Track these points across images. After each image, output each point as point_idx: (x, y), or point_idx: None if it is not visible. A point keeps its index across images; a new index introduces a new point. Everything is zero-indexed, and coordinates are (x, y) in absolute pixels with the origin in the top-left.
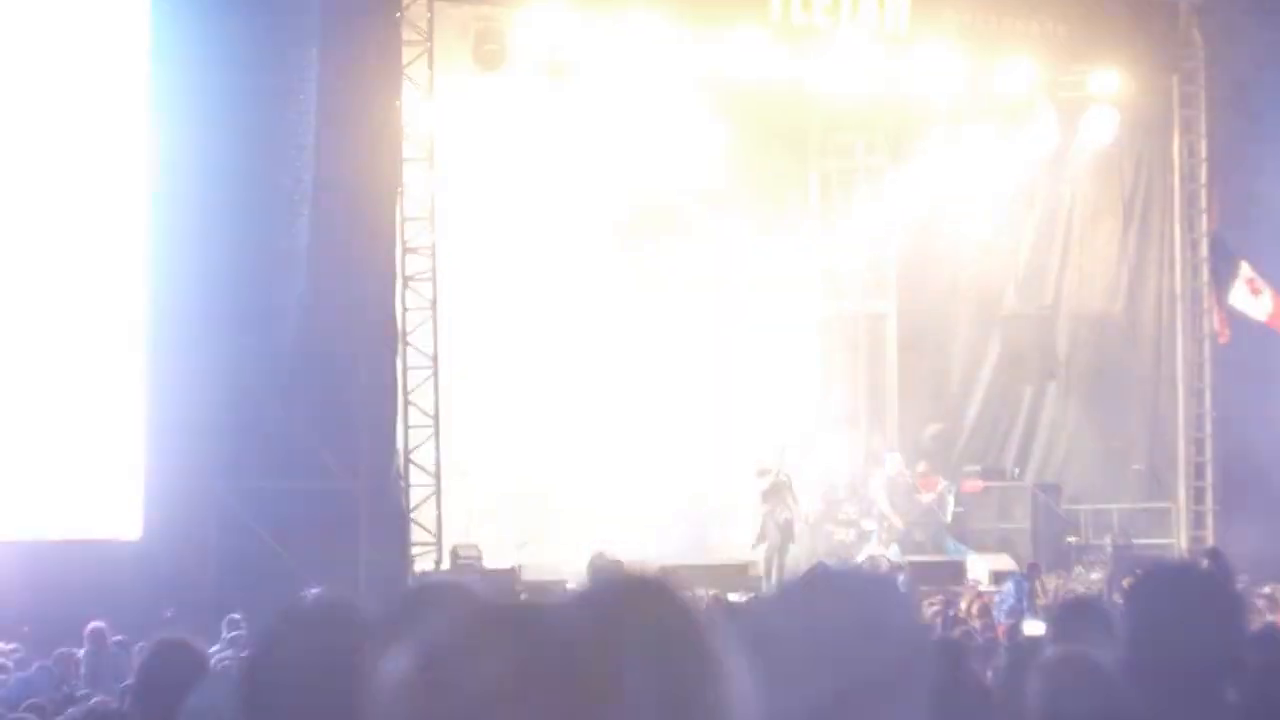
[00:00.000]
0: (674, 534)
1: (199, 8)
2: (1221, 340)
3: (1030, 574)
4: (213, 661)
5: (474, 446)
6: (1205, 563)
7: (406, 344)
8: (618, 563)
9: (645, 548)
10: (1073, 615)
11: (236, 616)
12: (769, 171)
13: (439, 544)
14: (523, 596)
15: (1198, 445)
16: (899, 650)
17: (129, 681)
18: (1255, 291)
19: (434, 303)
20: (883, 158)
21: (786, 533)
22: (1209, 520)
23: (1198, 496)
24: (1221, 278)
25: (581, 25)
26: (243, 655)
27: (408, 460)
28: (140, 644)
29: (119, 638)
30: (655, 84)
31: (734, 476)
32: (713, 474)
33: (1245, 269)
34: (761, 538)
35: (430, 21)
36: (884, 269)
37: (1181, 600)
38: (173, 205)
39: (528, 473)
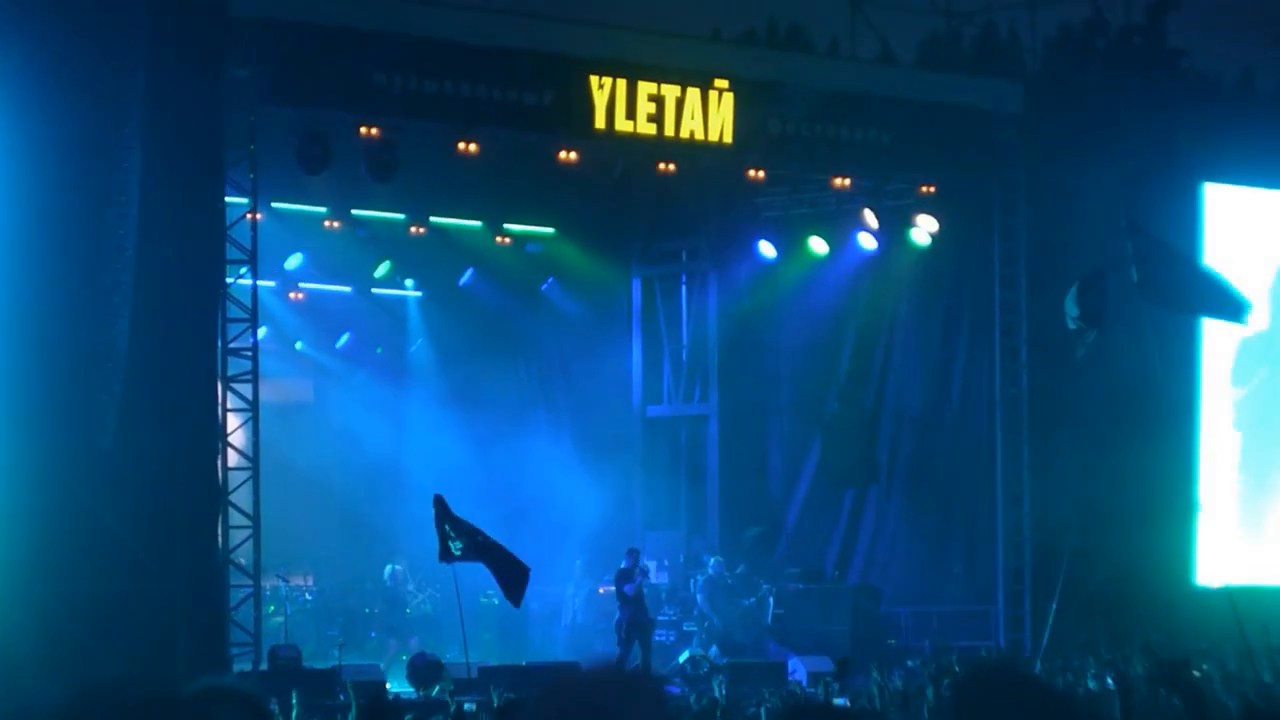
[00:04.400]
0: (495, 634)
1: (18, 103)
2: None
3: (840, 672)
4: None
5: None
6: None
7: (227, 444)
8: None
9: (465, 647)
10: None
11: None
12: (593, 275)
13: (257, 645)
14: (341, 698)
15: (1016, 550)
16: None
17: None
18: None
19: (255, 403)
20: (705, 263)
21: (646, 633)
22: (1027, 623)
23: (1016, 600)
24: None
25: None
26: None
27: (227, 560)
28: None
29: None
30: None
31: (556, 579)
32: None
33: None
34: (626, 639)
35: (253, 124)
36: (705, 372)
37: (1004, 701)
38: None
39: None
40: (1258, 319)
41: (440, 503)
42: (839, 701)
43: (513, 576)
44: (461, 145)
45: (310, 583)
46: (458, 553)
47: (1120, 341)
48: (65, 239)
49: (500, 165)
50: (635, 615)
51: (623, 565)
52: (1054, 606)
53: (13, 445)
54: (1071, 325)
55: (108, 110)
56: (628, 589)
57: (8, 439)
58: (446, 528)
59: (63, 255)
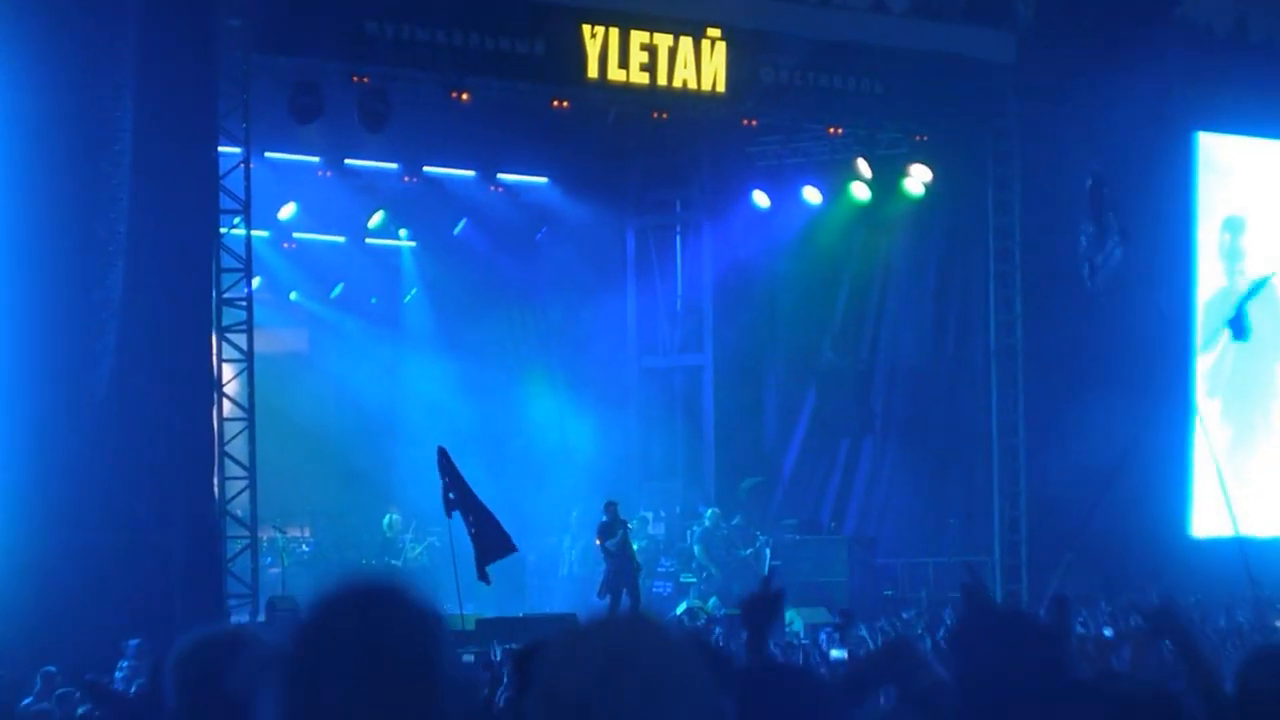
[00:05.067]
0: (492, 586)
1: (6, 56)
2: None
3: (844, 623)
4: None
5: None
6: (1049, 609)
7: (222, 395)
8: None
9: (460, 599)
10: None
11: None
12: (587, 224)
13: (255, 596)
14: None
15: (1012, 500)
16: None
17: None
18: None
19: (250, 354)
20: (699, 213)
21: (632, 585)
22: (1023, 574)
23: (1012, 550)
24: None
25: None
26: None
27: (223, 512)
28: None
29: None
30: None
31: (553, 531)
32: (532, 528)
33: None
34: (605, 590)
35: (246, 73)
36: (700, 322)
37: (1003, 647)
38: None
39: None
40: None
41: (443, 454)
42: (837, 654)
43: (491, 546)
44: (454, 94)
45: (307, 534)
46: (453, 507)
47: (1114, 289)
48: (58, 189)
49: (493, 114)
50: (620, 567)
51: (603, 519)
52: (1068, 558)
53: (8, 396)
54: (1085, 241)
55: (100, 59)
56: (609, 543)
57: (6, 391)
58: (446, 480)
59: (56, 204)
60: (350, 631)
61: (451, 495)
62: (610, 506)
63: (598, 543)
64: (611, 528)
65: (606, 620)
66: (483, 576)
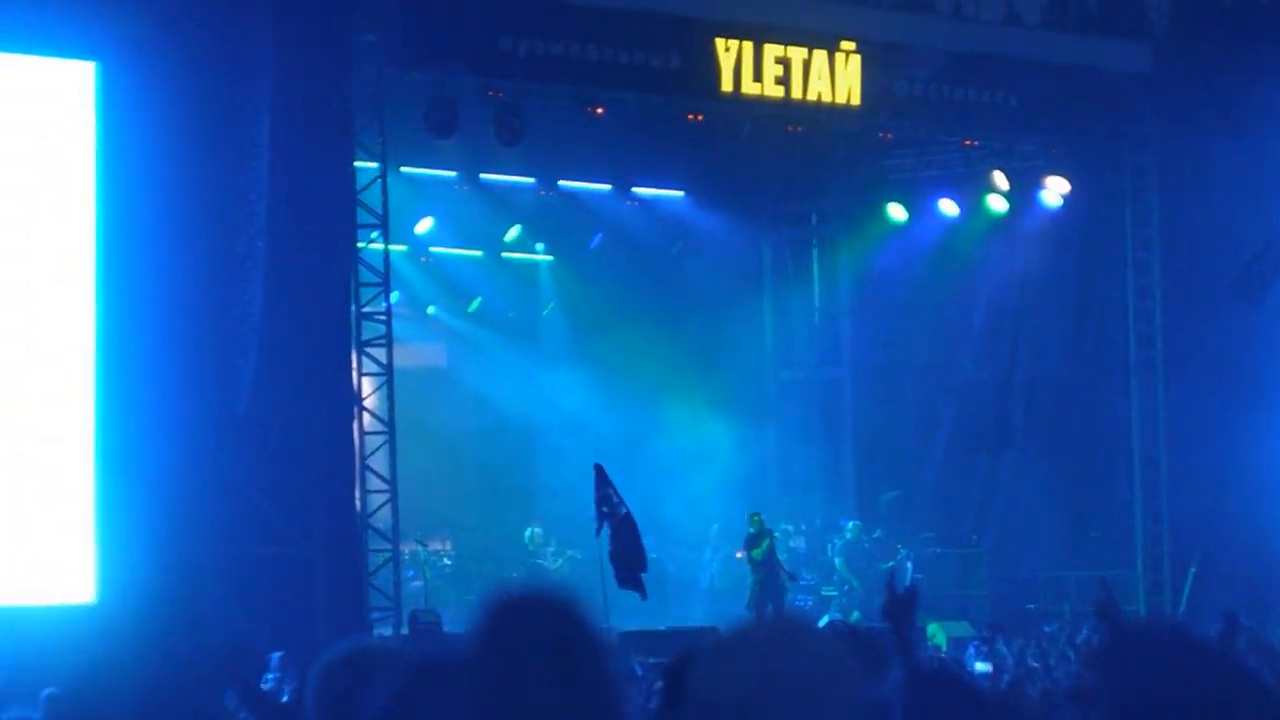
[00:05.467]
0: (633, 599)
1: (146, 76)
2: None
3: (989, 636)
4: None
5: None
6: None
7: (362, 409)
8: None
9: (606, 613)
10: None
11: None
12: (723, 238)
13: (397, 609)
14: None
15: (1154, 513)
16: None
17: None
18: None
19: (389, 367)
20: (836, 226)
21: (778, 598)
22: (1166, 589)
23: (1155, 565)
24: None
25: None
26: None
27: (365, 525)
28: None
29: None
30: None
31: (693, 544)
32: (672, 541)
33: None
34: (753, 604)
35: (381, 89)
36: (838, 335)
37: (1157, 664)
38: (125, 271)
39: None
40: None
41: (600, 471)
42: (982, 668)
43: (632, 564)
44: (589, 109)
45: (449, 547)
46: (604, 524)
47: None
48: (197, 206)
49: (628, 128)
50: (765, 578)
51: (749, 531)
52: (1192, 572)
53: (153, 413)
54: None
55: (236, 77)
56: (755, 553)
57: (147, 406)
58: (606, 494)
59: (196, 221)
60: (537, 646)
61: (605, 511)
62: (755, 517)
63: (738, 555)
64: (757, 538)
65: (758, 628)
66: (637, 587)
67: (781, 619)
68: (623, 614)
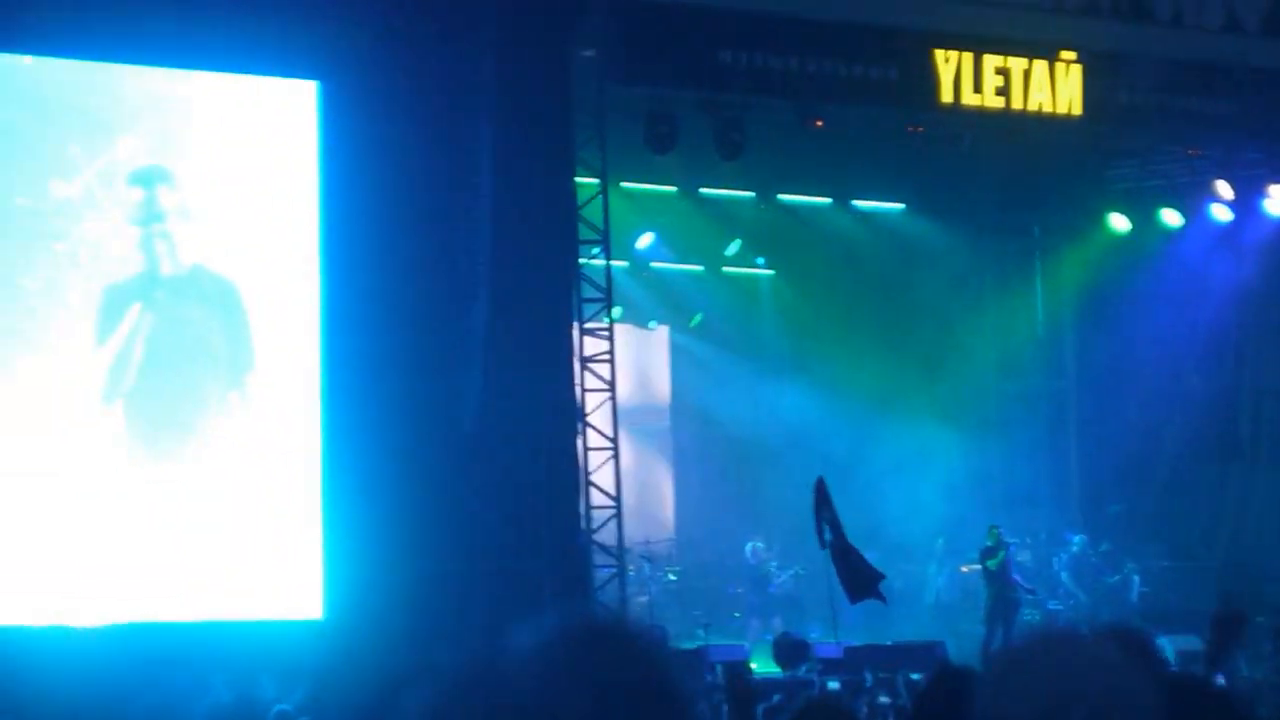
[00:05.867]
0: (858, 614)
1: (368, 94)
2: None
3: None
4: None
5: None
6: None
7: (586, 424)
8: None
9: (835, 627)
10: None
11: None
12: (943, 249)
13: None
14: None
15: None
16: None
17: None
18: None
19: (612, 383)
20: (1058, 236)
21: (1011, 612)
22: None
23: None
24: None
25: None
26: None
27: (590, 541)
28: None
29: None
30: None
31: (918, 558)
32: (897, 555)
33: None
34: (990, 617)
35: (601, 104)
36: (1061, 347)
37: None
38: (349, 290)
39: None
40: None
41: (820, 486)
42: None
43: (862, 577)
44: (809, 122)
45: (673, 563)
46: (826, 541)
47: None
48: (421, 222)
49: (848, 141)
50: (999, 592)
51: (986, 544)
52: None
53: (378, 430)
54: None
55: (458, 93)
56: (990, 564)
57: (374, 424)
58: (822, 511)
59: (419, 239)
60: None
61: (827, 526)
62: (993, 530)
63: (964, 569)
64: (993, 551)
65: (1044, 643)
66: (875, 595)
67: (1073, 632)
68: (847, 629)
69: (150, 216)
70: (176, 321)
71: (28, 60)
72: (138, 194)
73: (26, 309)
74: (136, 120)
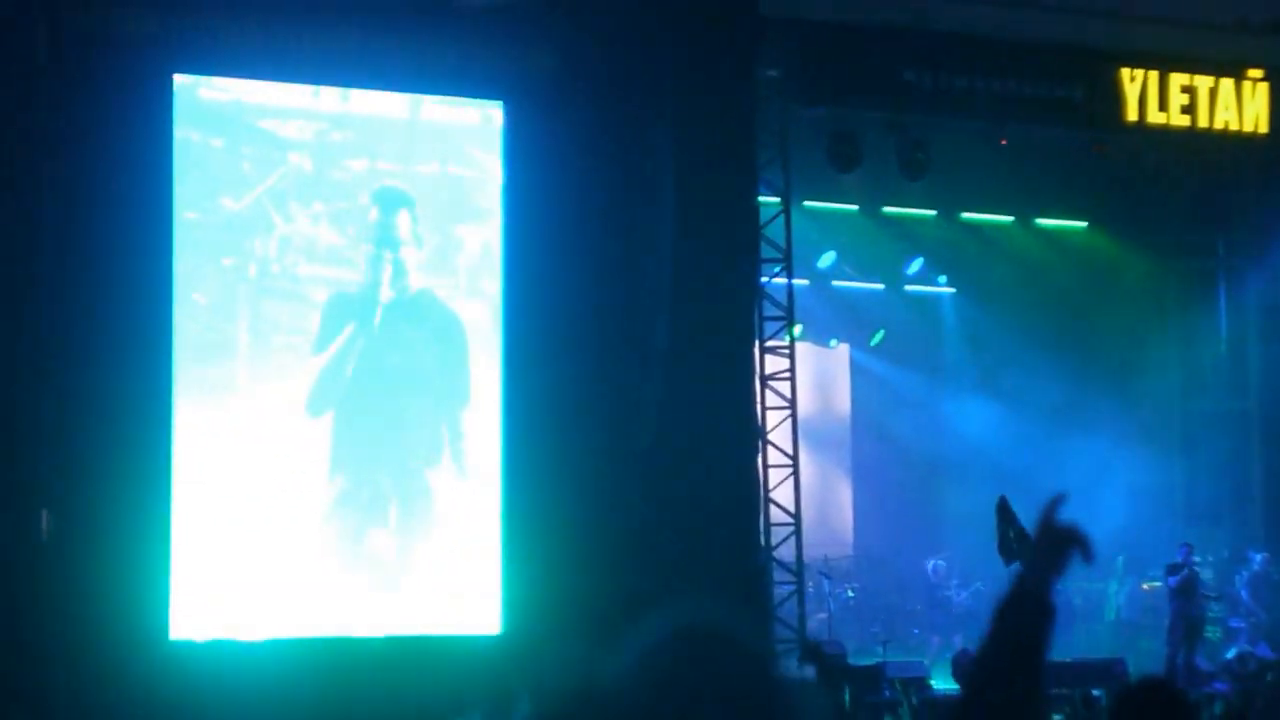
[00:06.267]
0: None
1: (551, 115)
2: None
3: None
4: None
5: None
6: None
7: (767, 442)
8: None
9: None
10: None
11: None
12: (1127, 268)
13: (801, 642)
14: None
15: None
16: None
17: None
18: None
19: (793, 401)
20: (1243, 256)
21: (1196, 629)
22: None
23: None
24: None
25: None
26: None
27: (769, 558)
28: None
29: None
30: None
31: (1096, 576)
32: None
33: None
34: (1173, 635)
35: (784, 123)
36: (1245, 366)
37: None
38: (530, 308)
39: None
40: None
41: (1004, 504)
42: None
43: None
44: (992, 140)
45: (852, 579)
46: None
47: None
48: (603, 241)
49: (1031, 159)
50: (1182, 609)
51: (1175, 560)
52: None
53: (558, 446)
54: None
55: (640, 112)
56: (1171, 581)
57: (554, 440)
58: (1010, 533)
59: (601, 258)
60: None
61: (1015, 543)
62: (1185, 547)
63: (1145, 586)
64: (1178, 566)
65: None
66: None
67: None
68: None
69: (383, 239)
70: (395, 345)
71: (206, 79)
72: (373, 214)
73: (201, 324)
74: (315, 138)
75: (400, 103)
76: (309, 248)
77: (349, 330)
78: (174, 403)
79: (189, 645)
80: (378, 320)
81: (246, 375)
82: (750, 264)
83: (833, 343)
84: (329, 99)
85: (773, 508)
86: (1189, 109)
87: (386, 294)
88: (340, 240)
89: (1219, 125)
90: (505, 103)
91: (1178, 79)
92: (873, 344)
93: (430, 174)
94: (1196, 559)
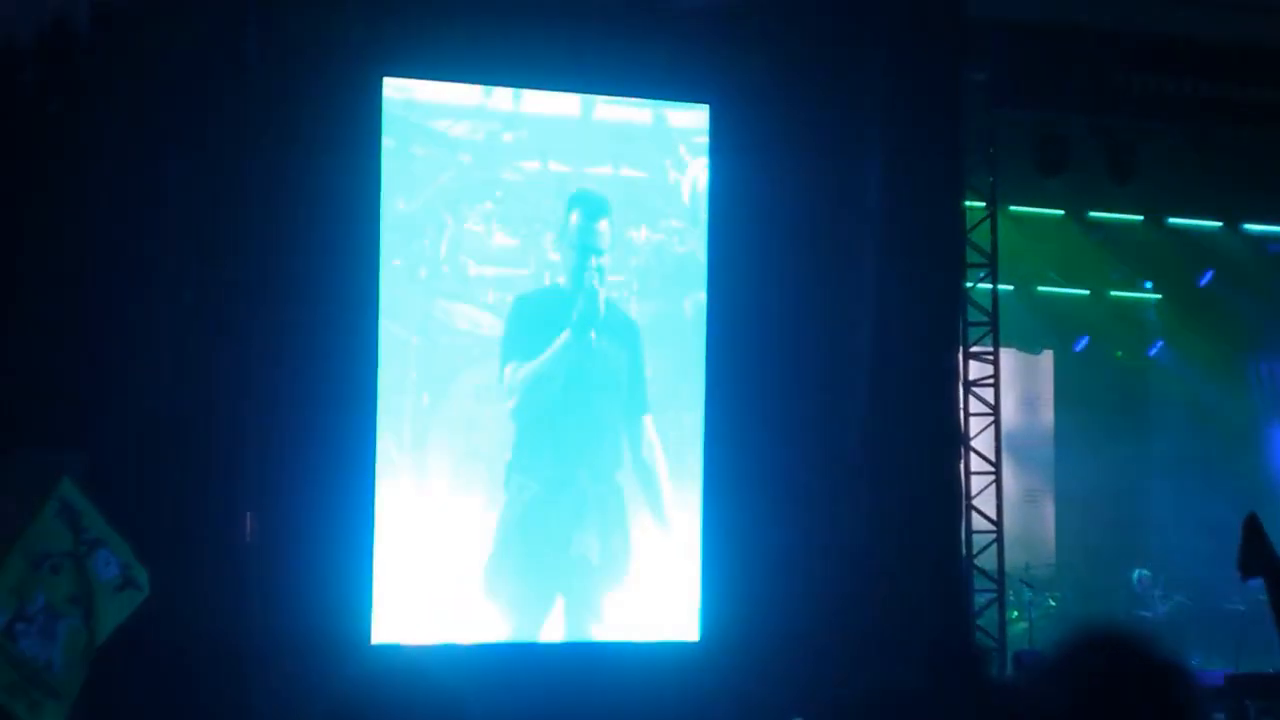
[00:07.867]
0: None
1: (756, 118)
2: None
3: None
4: None
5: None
6: None
7: (969, 448)
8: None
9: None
10: None
11: None
12: None
13: (1002, 650)
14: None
15: None
16: None
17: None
18: None
19: (996, 408)
20: None
21: None
22: None
23: None
24: None
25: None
26: None
27: (970, 565)
28: None
29: None
30: None
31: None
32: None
33: None
34: None
35: (990, 127)
36: None
37: None
38: (732, 311)
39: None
40: None
41: (1253, 522)
42: None
43: None
44: (1200, 145)
45: (1054, 588)
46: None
47: None
48: (807, 245)
49: (1239, 164)
50: None
51: None
52: None
53: (759, 453)
54: None
55: (847, 116)
56: None
57: (755, 447)
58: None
59: (804, 262)
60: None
61: (1252, 559)
62: None
63: None
64: None
65: None
66: None
67: None
68: (1228, 658)
69: (585, 245)
70: (595, 350)
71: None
72: (574, 218)
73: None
74: (485, 139)
75: (572, 103)
76: (480, 249)
77: (564, 337)
78: (379, 404)
79: (391, 649)
80: (585, 326)
81: (414, 378)
82: (955, 269)
83: (1038, 350)
84: (501, 99)
85: (974, 514)
86: None
87: (593, 300)
88: (512, 241)
89: None
90: (711, 106)
91: None
92: (1076, 350)
93: (603, 175)
94: None
